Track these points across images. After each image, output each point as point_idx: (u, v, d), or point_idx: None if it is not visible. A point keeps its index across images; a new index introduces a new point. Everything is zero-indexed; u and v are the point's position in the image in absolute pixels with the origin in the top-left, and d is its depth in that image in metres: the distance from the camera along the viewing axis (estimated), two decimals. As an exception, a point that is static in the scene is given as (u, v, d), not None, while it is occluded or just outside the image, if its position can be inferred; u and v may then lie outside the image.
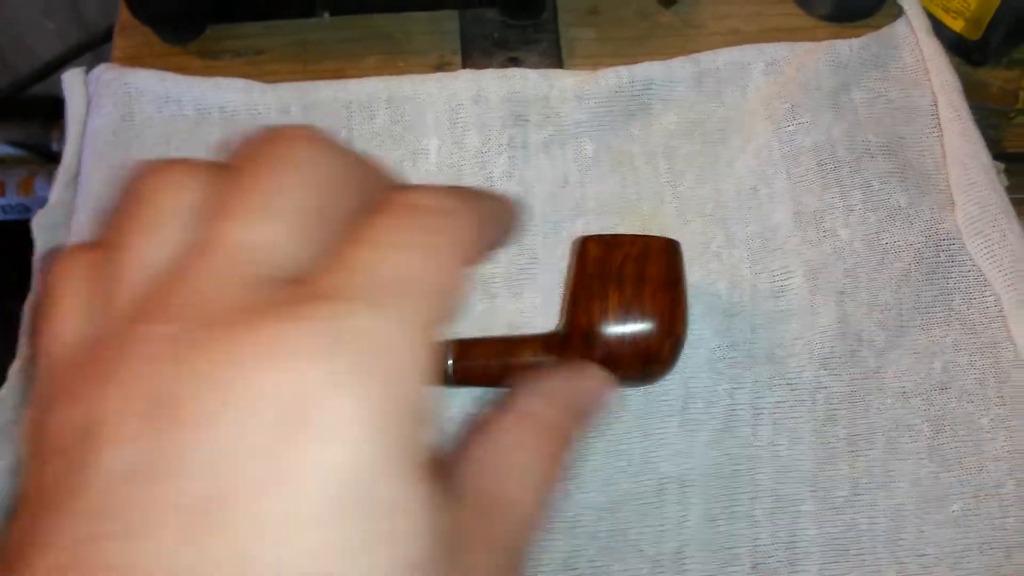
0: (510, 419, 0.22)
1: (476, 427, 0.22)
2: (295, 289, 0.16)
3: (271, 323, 0.15)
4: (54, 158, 0.75)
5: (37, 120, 0.74)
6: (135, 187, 0.18)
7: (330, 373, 0.14)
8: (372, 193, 0.19)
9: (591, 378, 0.25)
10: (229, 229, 0.16)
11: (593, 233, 0.31)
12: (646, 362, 0.28)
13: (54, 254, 0.27)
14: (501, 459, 0.21)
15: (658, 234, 0.35)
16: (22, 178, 0.74)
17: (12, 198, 0.73)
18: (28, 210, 0.74)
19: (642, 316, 0.28)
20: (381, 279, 0.16)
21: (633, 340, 0.28)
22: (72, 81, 0.39)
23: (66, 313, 0.18)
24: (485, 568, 0.18)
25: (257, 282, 0.16)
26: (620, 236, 0.29)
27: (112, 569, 0.13)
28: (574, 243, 0.29)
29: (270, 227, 0.16)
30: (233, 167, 0.18)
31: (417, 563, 0.15)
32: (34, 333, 0.20)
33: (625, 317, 0.28)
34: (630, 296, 0.28)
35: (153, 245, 0.17)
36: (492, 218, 0.21)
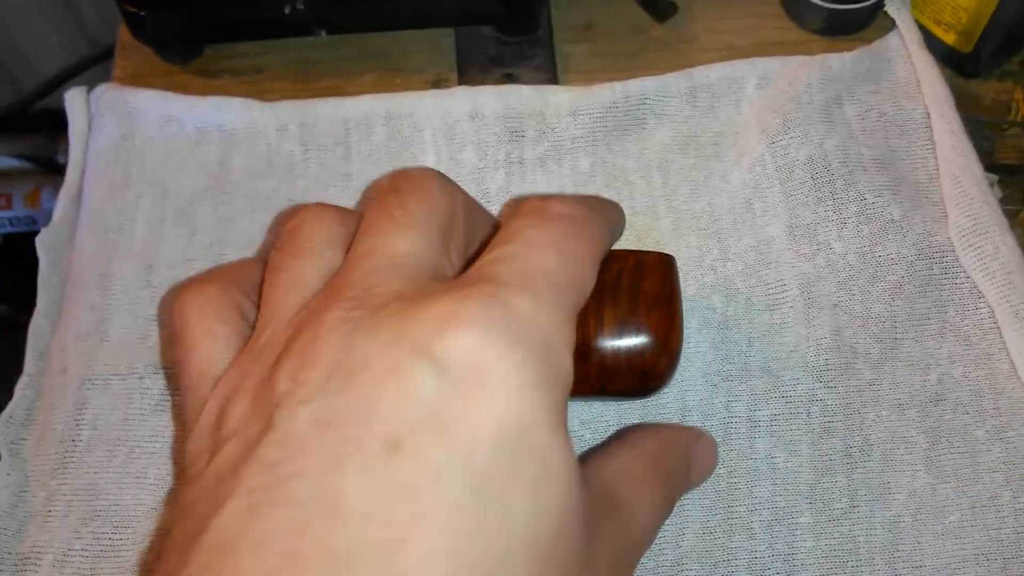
0: (634, 452, 0.25)
1: (598, 449, 0.25)
2: (455, 277, 0.19)
3: (441, 301, 0.17)
4: (60, 170, 0.76)
5: (43, 133, 0.74)
6: (289, 225, 0.22)
7: (496, 338, 0.17)
8: (480, 219, 0.23)
9: (705, 443, 0.28)
10: (381, 240, 0.20)
11: None
12: (642, 378, 0.28)
13: (173, 294, 0.31)
14: (624, 479, 0.23)
15: (653, 248, 0.35)
16: (29, 191, 0.75)
17: (19, 210, 0.74)
18: (35, 222, 0.74)
19: (637, 331, 0.28)
20: (529, 271, 0.18)
21: (628, 355, 0.28)
22: (74, 100, 0.39)
23: (213, 341, 0.21)
24: (607, 556, 0.20)
25: (414, 276, 0.19)
26: (614, 250, 0.29)
27: (298, 502, 0.15)
28: None
29: (413, 237, 0.20)
30: (369, 203, 0.21)
31: (570, 506, 0.17)
32: (177, 364, 0.22)
33: (621, 332, 0.28)
34: (625, 311, 0.28)
35: (307, 266, 0.21)
36: (612, 223, 0.24)
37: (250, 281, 0.23)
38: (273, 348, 0.19)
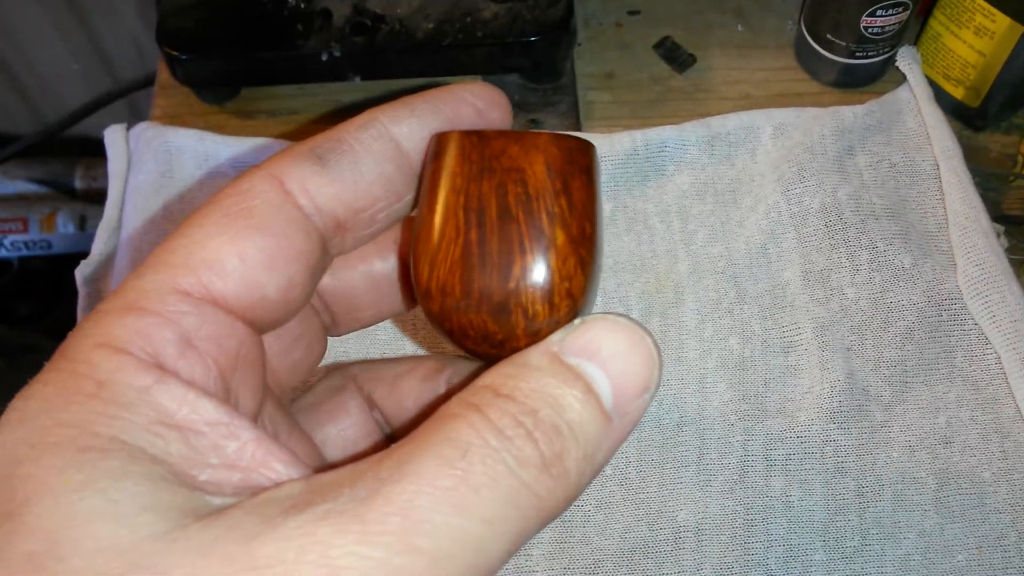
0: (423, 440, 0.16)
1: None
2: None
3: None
4: (76, 195, 0.77)
5: (59, 158, 0.76)
6: None
7: None
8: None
9: (602, 329, 0.17)
10: None
11: None
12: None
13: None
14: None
15: (671, 292, 0.36)
16: (45, 215, 0.76)
17: (35, 234, 0.75)
18: (50, 246, 0.76)
19: None
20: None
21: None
22: (114, 137, 0.41)
23: None
24: None
25: None
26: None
27: None
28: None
29: None
30: None
31: None
32: None
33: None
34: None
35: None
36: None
37: None
38: None
